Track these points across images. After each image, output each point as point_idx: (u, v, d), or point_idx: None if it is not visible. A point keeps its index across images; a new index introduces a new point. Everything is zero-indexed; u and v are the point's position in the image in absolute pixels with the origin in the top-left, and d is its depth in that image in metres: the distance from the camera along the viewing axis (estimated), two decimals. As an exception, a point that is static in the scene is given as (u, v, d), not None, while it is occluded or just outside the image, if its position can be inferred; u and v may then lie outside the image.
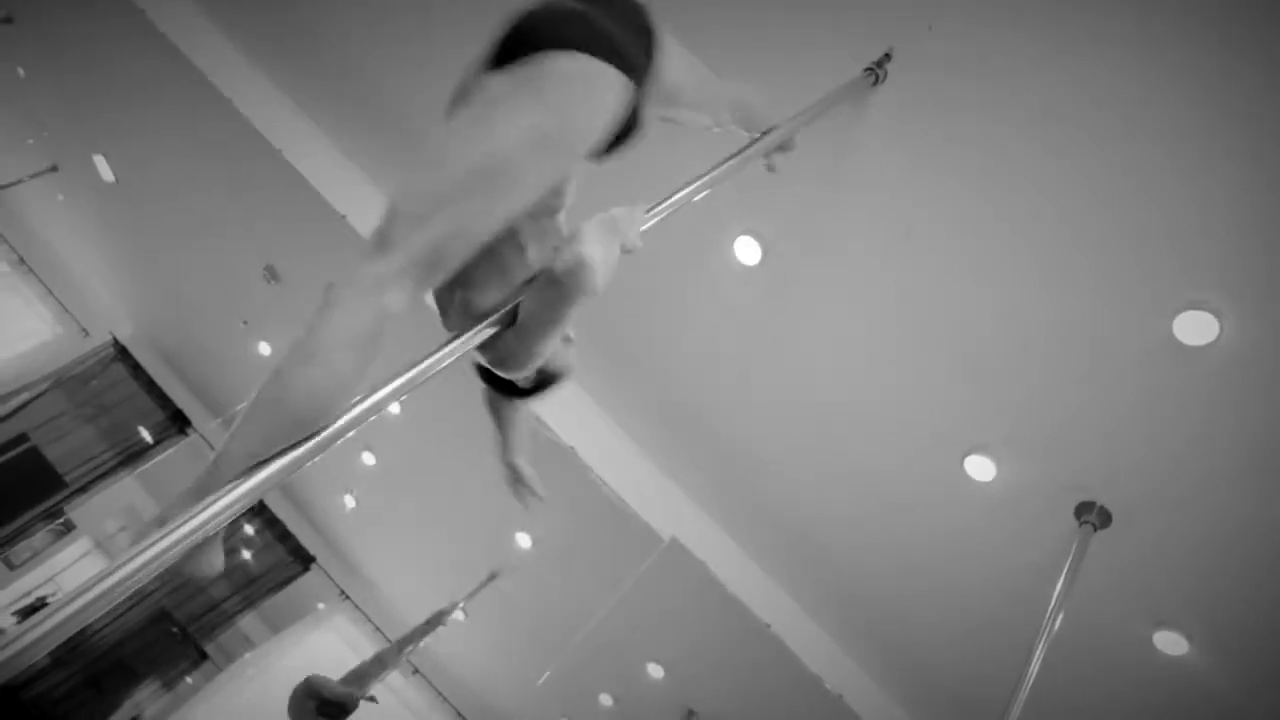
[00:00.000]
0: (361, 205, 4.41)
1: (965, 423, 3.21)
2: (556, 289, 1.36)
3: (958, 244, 2.83)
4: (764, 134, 2.11)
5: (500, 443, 1.89)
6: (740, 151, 1.98)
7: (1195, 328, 2.50)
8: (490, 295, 1.45)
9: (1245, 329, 2.43)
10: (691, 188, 1.75)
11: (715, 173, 1.84)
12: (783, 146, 2.19)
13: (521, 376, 1.58)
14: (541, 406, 1.77)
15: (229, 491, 1.01)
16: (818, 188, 2.97)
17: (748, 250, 3.29)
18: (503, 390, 1.73)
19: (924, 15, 2.47)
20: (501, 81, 1.34)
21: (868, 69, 2.54)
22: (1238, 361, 2.50)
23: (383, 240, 1.21)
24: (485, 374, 1.70)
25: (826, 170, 2.90)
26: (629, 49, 1.40)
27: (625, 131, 1.50)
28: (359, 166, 4.55)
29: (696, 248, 3.38)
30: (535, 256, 1.48)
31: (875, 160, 2.81)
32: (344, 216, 4.30)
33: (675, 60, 1.64)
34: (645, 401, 4.27)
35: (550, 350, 1.49)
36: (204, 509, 0.98)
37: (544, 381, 1.69)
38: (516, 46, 1.36)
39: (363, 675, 4.86)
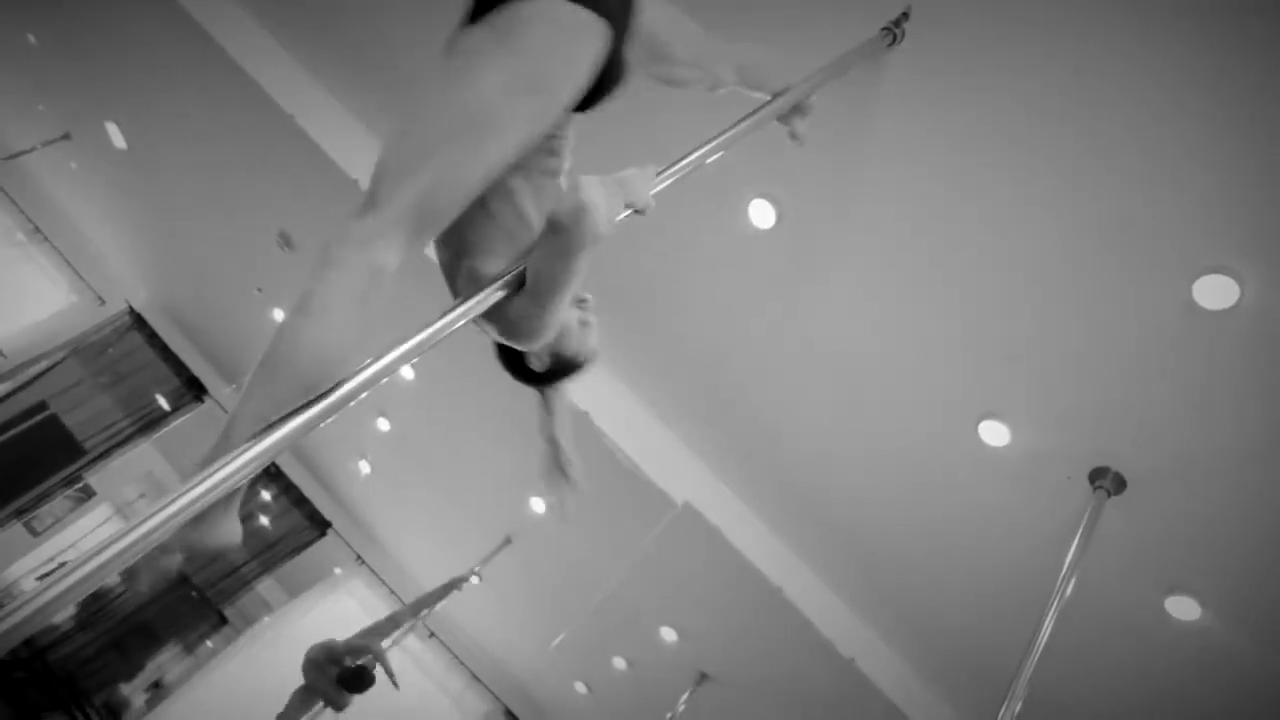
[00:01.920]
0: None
1: (979, 387, 3.19)
2: (559, 237, 1.35)
3: (974, 208, 2.79)
4: (776, 96, 2.07)
5: (542, 420, 1.78)
6: (753, 113, 1.96)
7: (1216, 292, 2.46)
8: (496, 261, 1.44)
9: (1266, 293, 2.40)
10: (704, 149, 1.73)
11: (728, 135, 1.81)
12: (798, 109, 2.15)
13: (536, 348, 1.56)
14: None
15: (241, 454, 1.01)
16: (833, 151, 2.93)
17: (762, 214, 3.26)
18: (521, 376, 1.68)
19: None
20: (477, 32, 1.37)
21: (885, 28, 2.49)
22: (1258, 326, 2.46)
23: (372, 197, 1.22)
24: (504, 356, 1.67)
25: (842, 133, 2.85)
26: None
27: (609, 81, 1.48)
28: (371, 131, 4.52)
29: (710, 211, 3.35)
30: (537, 218, 1.47)
31: (891, 123, 2.76)
32: (356, 181, 4.28)
33: (658, 11, 1.62)
34: (658, 367, 4.26)
35: (561, 313, 1.47)
36: (215, 471, 0.98)
37: (563, 367, 1.65)
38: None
39: (377, 632, 4.88)
